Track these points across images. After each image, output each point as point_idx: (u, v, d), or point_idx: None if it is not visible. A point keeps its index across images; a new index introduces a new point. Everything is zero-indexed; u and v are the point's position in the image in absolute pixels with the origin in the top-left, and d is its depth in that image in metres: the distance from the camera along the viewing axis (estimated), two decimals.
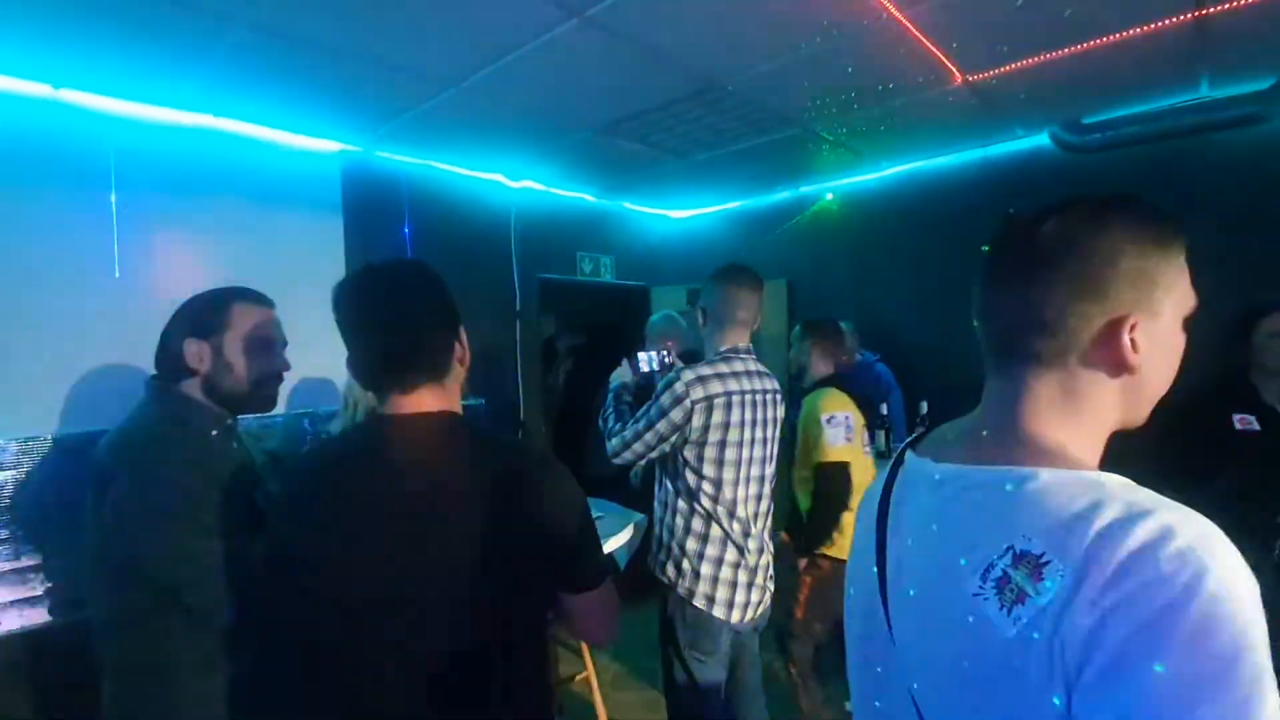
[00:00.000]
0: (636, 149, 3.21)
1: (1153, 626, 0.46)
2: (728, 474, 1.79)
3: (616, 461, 1.85)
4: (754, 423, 1.81)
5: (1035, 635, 0.51)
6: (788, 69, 2.32)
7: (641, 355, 2.04)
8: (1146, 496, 0.54)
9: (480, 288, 3.55)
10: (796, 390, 2.52)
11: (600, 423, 1.94)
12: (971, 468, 0.64)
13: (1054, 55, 2.25)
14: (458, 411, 1.00)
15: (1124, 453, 0.74)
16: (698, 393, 1.73)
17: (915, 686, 0.63)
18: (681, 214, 4.81)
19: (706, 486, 1.79)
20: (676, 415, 1.73)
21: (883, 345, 3.70)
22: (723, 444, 1.77)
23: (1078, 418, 0.64)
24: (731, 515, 1.81)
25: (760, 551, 1.88)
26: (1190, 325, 0.66)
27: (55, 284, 2.25)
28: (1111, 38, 2.13)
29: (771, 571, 1.94)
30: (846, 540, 2.11)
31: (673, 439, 1.76)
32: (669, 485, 1.87)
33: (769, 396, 1.87)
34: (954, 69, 2.35)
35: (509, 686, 0.91)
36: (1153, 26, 2.07)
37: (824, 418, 2.26)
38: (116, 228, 2.42)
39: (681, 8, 1.90)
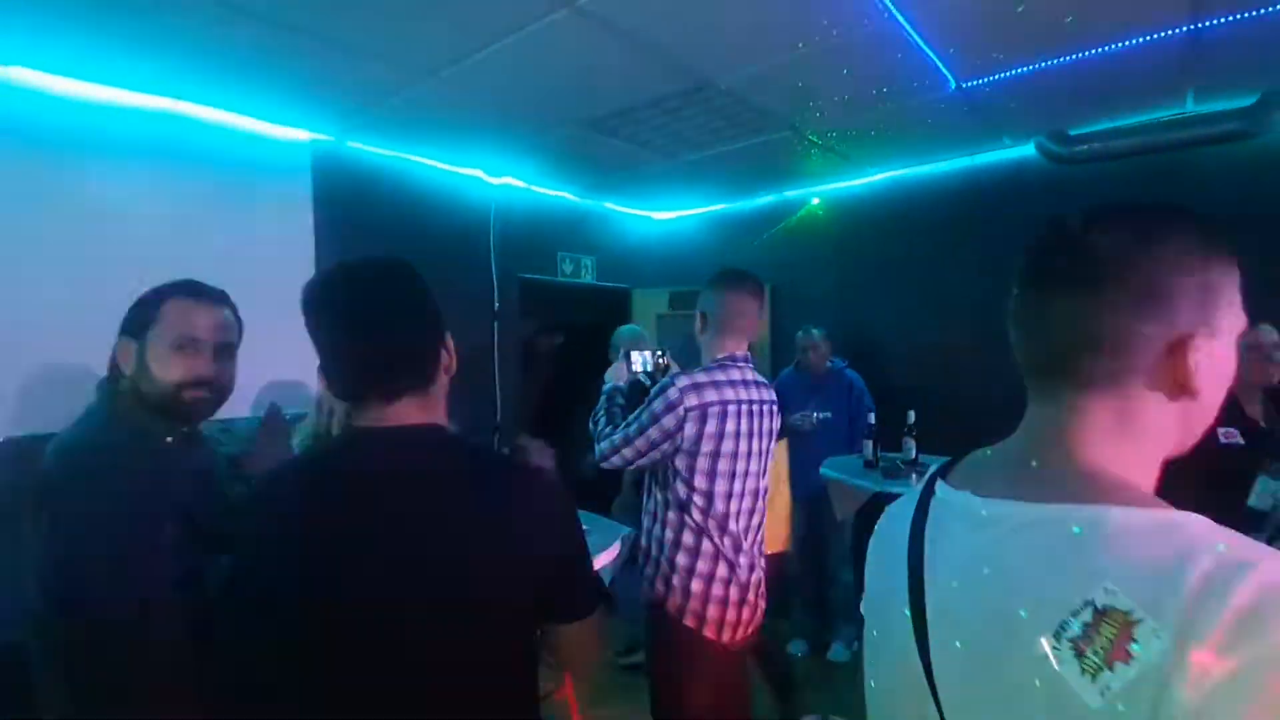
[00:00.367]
0: (622, 147, 3.13)
1: (1276, 710, 0.40)
2: (720, 486, 1.73)
3: (604, 465, 1.79)
4: (749, 434, 1.75)
5: (1121, 708, 0.44)
6: (783, 69, 2.27)
7: (635, 355, 1.96)
8: (1238, 541, 0.47)
9: (457, 287, 3.43)
10: None
11: (590, 425, 1.88)
12: (1027, 505, 0.57)
13: (1049, 64, 2.24)
14: (443, 424, 0.91)
15: None
16: (691, 400, 1.66)
17: None
18: (664, 215, 4.75)
19: (697, 499, 1.73)
20: (668, 422, 1.67)
21: (866, 353, 3.68)
22: (716, 454, 1.71)
23: (1136, 445, 0.58)
24: (723, 530, 1.74)
25: (751, 568, 1.82)
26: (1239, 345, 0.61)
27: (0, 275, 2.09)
28: (1107, 47, 2.12)
29: (763, 589, 1.88)
30: None
31: (663, 446, 1.70)
32: (658, 496, 1.80)
33: (765, 407, 1.81)
34: (950, 75, 2.33)
35: None
36: (1148, 37, 2.06)
37: None
38: (70, 216, 2.26)
39: (679, 1, 1.82)
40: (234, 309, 1.24)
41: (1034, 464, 0.60)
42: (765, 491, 1.87)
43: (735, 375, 1.76)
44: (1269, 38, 2.06)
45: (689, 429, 1.67)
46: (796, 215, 4.05)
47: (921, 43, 2.08)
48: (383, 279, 0.90)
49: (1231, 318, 0.59)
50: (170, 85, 2.31)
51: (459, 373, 0.96)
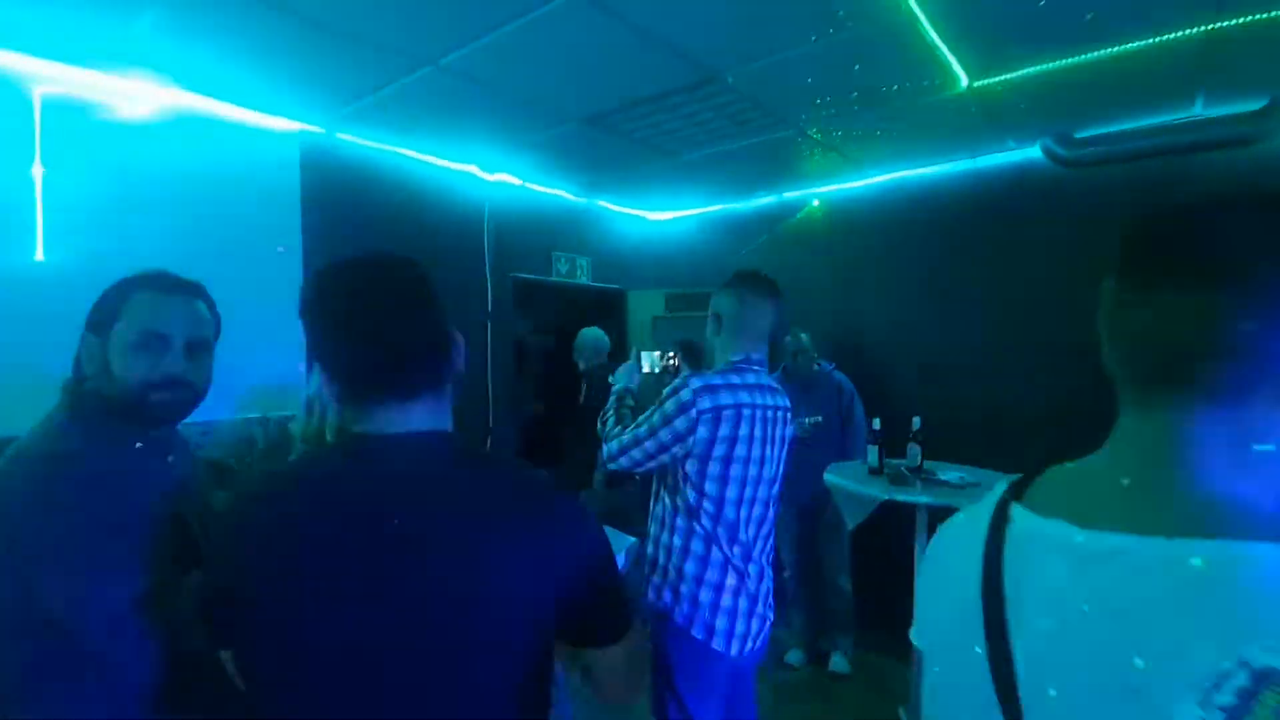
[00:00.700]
0: (621, 144, 3.06)
1: None
2: (731, 493, 1.66)
3: (612, 466, 1.73)
4: (762, 439, 1.69)
5: None
6: (793, 63, 2.20)
7: (643, 355, 1.89)
8: None
9: (450, 286, 3.27)
10: None
11: (599, 425, 1.82)
12: (1138, 537, 0.49)
13: (1064, 63, 2.19)
14: (451, 431, 0.83)
15: None
16: (705, 402, 1.60)
17: None
18: (660, 215, 4.67)
19: (708, 505, 1.66)
20: (680, 424, 1.60)
21: (868, 357, 3.63)
22: (728, 460, 1.64)
23: (1264, 466, 0.50)
24: (733, 539, 1.67)
25: (760, 577, 1.76)
26: None
27: None
28: (1123, 45, 2.08)
29: (771, 600, 1.81)
30: None
31: (673, 449, 1.63)
32: (667, 501, 1.73)
33: (779, 413, 1.75)
34: (962, 72, 2.28)
35: None
36: (1167, 35, 2.02)
37: None
38: (40, 205, 2.14)
39: None
40: (210, 302, 1.13)
41: (1141, 487, 0.53)
42: (776, 500, 1.82)
43: (751, 379, 1.70)
44: None
45: (701, 432, 1.60)
46: (796, 217, 4.00)
47: (937, 37, 2.02)
48: (392, 272, 0.83)
49: None
50: (151, 68, 2.19)
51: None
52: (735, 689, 1.81)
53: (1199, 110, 2.67)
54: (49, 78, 2.14)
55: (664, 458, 1.65)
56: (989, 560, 0.59)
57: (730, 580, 1.67)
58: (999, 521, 0.61)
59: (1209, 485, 0.50)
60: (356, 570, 0.71)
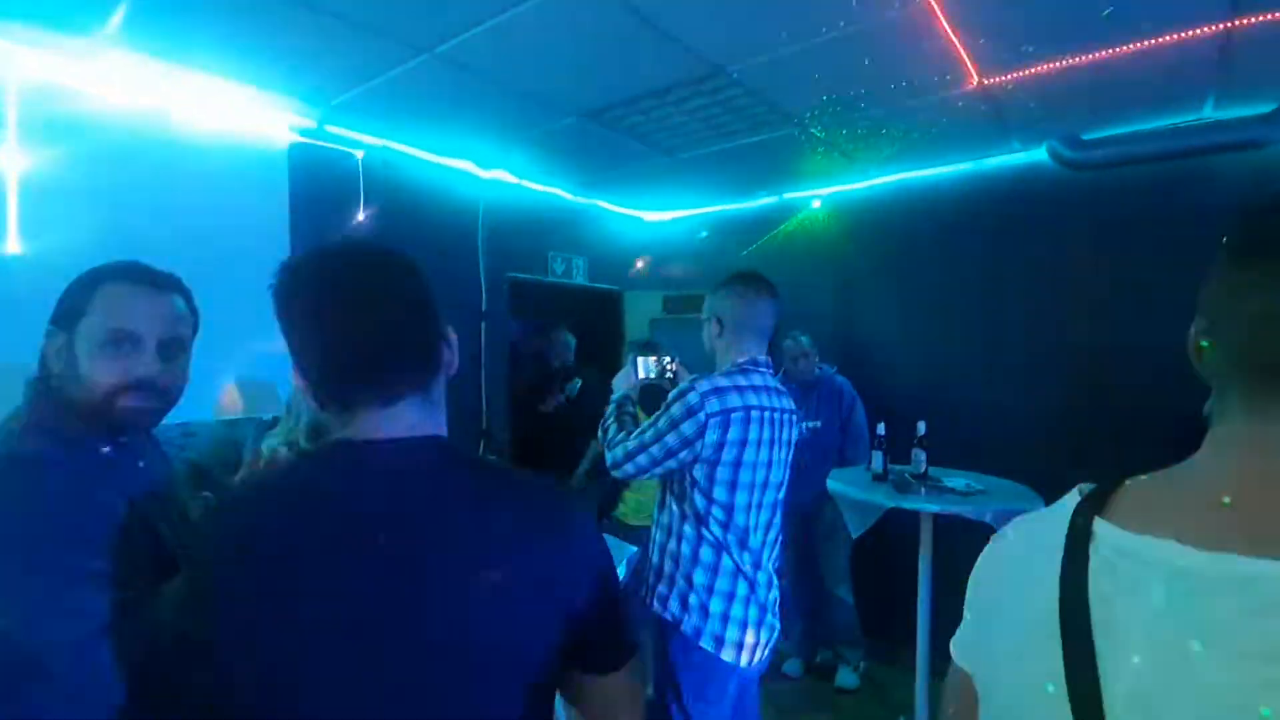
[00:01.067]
0: (620, 140, 2.99)
1: None
2: (740, 498, 1.60)
3: (617, 474, 1.68)
4: (771, 443, 1.63)
5: None
6: (801, 58, 2.14)
7: (640, 361, 1.83)
8: None
9: (443, 285, 3.19)
10: None
11: (600, 432, 1.75)
12: (1264, 561, 0.42)
13: (1077, 61, 2.14)
14: (445, 435, 0.75)
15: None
16: (714, 405, 1.53)
17: None
18: (656, 216, 4.60)
19: (717, 511, 1.60)
20: (688, 429, 1.54)
21: (870, 361, 3.57)
22: (737, 464, 1.58)
23: None
24: (743, 546, 1.61)
25: (769, 585, 1.70)
26: None
27: None
28: (1139, 44, 2.04)
29: (778, 609, 1.74)
30: None
31: (681, 455, 1.57)
32: (674, 508, 1.67)
33: (787, 416, 1.70)
34: (973, 69, 2.22)
35: None
36: (1183, 35, 1.98)
37: None
38: (10, 193, 2.04)
39: None
40: (187, 297, 1.04)
41: (1259, 504, 0.46)
42: (782, 505, 1.76)
43: (757, 381, 1.65)
44: None
45: (710, 435, 1.54)
46: (797, 218, 3.94)
47: (950, 31, 1.97)
48: (373, 258, 0.75)
49: None
50: (128, 43, 2.05)
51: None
52: (740, 701, 1.74)
53: (1209, 113, 2.63)
54: (23, 62, 2.03)
55: (671, 464, 1.58)
56: (1070, 582, 0.52)
57: (741, 589, 1.61)
58: (1079, 536, 0.53)
59: None
60: (339, 599, 0.62)
